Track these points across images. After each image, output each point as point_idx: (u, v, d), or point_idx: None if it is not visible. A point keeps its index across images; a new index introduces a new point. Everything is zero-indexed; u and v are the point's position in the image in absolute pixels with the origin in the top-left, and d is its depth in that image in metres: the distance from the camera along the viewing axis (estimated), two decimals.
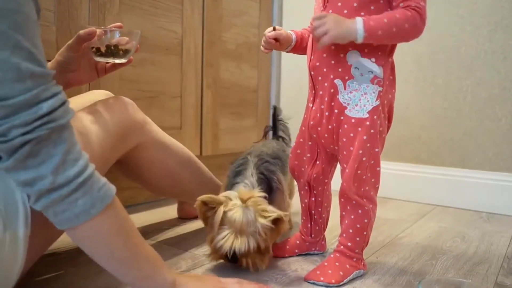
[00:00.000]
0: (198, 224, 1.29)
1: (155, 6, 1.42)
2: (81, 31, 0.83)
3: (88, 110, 0.84)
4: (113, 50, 0.85)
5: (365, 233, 0.89)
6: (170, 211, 1.42)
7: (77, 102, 0.96)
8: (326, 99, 0.88)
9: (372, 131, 0.85)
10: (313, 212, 1.00)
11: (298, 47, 0.98)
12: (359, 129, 0.85)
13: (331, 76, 0.87)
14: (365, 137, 0.85)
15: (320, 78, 0.89)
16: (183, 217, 1.35)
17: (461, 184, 1.58)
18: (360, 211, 0.88)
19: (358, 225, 0.88)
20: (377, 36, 0.79)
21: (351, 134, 0.86)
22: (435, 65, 1.64)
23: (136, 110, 0.96)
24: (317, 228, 1.01)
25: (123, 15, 1.33)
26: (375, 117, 0.85)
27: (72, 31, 1.19)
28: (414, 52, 1.68)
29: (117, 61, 0.89)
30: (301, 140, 0.98)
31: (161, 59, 1.47)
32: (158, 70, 1.46)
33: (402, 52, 1.70)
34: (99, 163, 0.82)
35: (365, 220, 0.88)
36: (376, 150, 0.87)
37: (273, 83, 2.04)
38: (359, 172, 0.86)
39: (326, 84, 0.88)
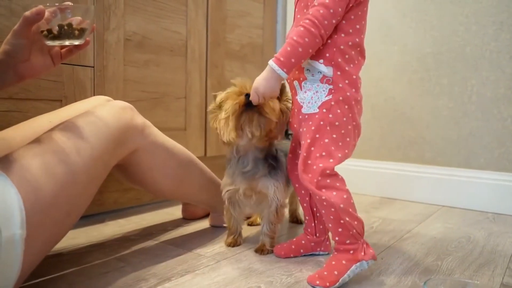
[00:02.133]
0: (202, 224, 1.29)
1: (159, 8, 1.43)
2: (27, 12, 0.71)
3: (86, 116, 0.84)
4: (66, 30, 0.74)
5: (342, 221, 0.85)
6: (175, 212, 1.42)
7: (78, 107, 0.97)
8: (296, 97, 0.96)
9: (321, 122, 0.89)
10: (315, 209, 1.01)
11: None
12: (310, 122, 0.90)
13: (292, 78, 0.95)
14: (313, 128, 0.89)
15: (289, 80, 0.97)
16: (187, 218, 1.36)
17: (466, 185, 1.58)
18: (324, 203, 0.86)
19: (331, 217, 0.86)
20: (294, 63, 0.87)
21: (304, 129, 0.91)
22: (440, 65, 1.63)
23: (135, 114, 0.96)
24: (321, 227, 1.02)
25: (128, 16, 1.33)
26: (324, 110, 0.89)
27: None
28: (419, 52, 1.67)
29: (72, 43, 0.77)
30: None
31: (165, 60, 1.47)
32: (163, 71, 1.47)
33: (407, 52, 1.70)
34: (99, 166, 0.83)
35: (332, 209, 0.85)
36: (326, 141, 0.88)
37: None
38: (309, 162, 0.88)
39: (293, 85, 0.96)
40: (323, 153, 0.88)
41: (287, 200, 1.21)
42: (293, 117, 0.97)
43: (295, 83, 0.94)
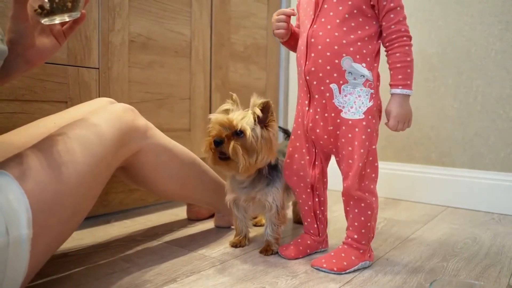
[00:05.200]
0: (207, 225, 1.30)
1: (163, 9, 1.43)
2: None
3: (89, 118, 0.85)
4: (58, 4, 0.72)
5: (369, 224, 0.94)
6: (180, 213, 1.43)
7: (82, 109, 0.97)
8: (324, 101, 0.94)
9: (369, 130, 0.91)
10: (318, 212, 1.03)
11: (292, 39, 1.05)
12: (357, 129, 0.91)
13: (327, 81, 0.92)
14: (363, 137, 0.91)
15: (315, 82, 0.93)
16: (192, 219, 1.36)
17: (472, 185, 1.57)
18: (363, 205, 0.93)
19: (362, 218, 0.94)
20: (412, 81, 0.91)
21: (349, 135, 0.92)
22: (445, 65, 1.63)
23: (137, 115, 0.96)
24: (322, 226, 1.05)
25: (132, 18, 1.34)
26: (369, 117, 0.91)
27: (82, 35, 1.20)
28: (424, 52, 1.67)
29: (68, 17, 0.74)
30: (298, 144, 1.01)
31: (170, 61, 1.48)
32: (167, 72, 1.47)
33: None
34: (103, 168, 0.84)
35: (368, 212, 0.93)
36: (374, 147, 0.93)
37: (281, 84, 2.04)
38: (363, 172, 0.92)
39: (322, 88, 0.93)
40: (370, 158, 0.93)
41: (290, 202, 1.21)
42: (315, 121, 0.96)
43: (332, 86, 0.91)
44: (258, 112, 0.94)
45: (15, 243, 0.64)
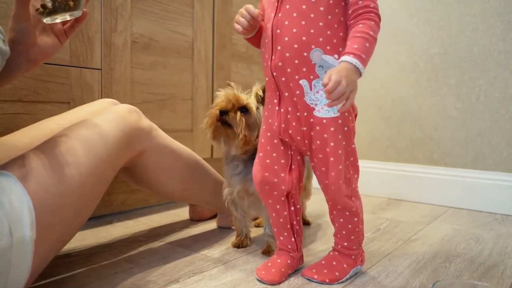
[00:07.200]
0: (209, 225, 1.30)
1: (166, 10, 1.43)
2: None
3: (92, 119, 0.85)
4: (60, 2, 0.72)
5: (357, 229, 0.88)
6: (182, 213, 1.43)
7: (85, 110, 0.97)
8: (294, 99, 0.83)
9: (345, 128, 0.82)
10: (294, 223, 0.92)
11: (256, 37, 0.89)
12: (332, 129, 0.81)
13: (296, 77, 0.81)
14: (340, 136, 0.81)
15: (283, 79, 0.82)
16: (195, 219, 1.36)
17: (475, 186, 1.57)
18: (347, 213, 0.87)
19: (349, 226, 0.88)
20: (368, 59, 0.76)
21: (325, 135, 0.81)
22: (448, 65, 1.62)
23: (141, 116, 0.96)
24: (299, 239, 0.93)
25: (135, 19, 1.34)
26: (346, 114, 0.81)
27: (84, 36, 1.21)
28: (426, 53, 1.66)
29: (70, 16, 0.73)
30: (268, 148, 0.88)
31: (172, 62, 1.48)
32: (169, 73, 1.47)
33: (414, 53, 1.69)
34: (106, 168, 0.84)
35: (355, 219, 0.87)
36: (353, 146, 0.85)
37: None
38: (344, 172, 0.84)
39: (291, 85, 0.82)
40: (351, 159, 0.85)
41: None
42: (287, 121, 0.85)
43: (303, 82, 0.81)
44: (261, 93, 0.99)
45: (19, 244, 0.64)
